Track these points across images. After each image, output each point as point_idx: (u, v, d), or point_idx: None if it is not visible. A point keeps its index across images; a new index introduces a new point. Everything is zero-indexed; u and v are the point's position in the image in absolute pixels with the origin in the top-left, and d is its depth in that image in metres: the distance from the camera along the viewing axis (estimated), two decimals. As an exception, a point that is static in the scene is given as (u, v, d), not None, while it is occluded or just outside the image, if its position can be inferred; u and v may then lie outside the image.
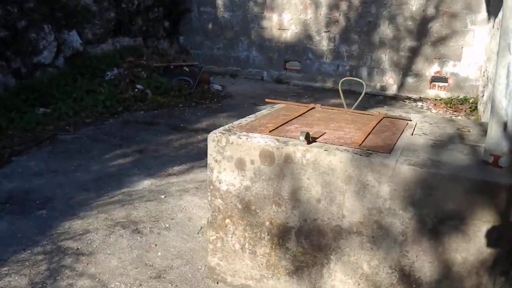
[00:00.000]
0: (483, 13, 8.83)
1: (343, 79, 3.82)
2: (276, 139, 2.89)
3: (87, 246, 3.68)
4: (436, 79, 9.54)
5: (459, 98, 9.20)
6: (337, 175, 2.74)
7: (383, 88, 10.02)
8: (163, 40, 11.25)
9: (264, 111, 3.69)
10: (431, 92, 9.61)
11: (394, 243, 2.76)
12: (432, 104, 9.20)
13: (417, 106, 9.24)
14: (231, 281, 3.25)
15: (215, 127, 6.98)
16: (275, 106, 3.89)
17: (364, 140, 2.91)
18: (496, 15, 7.07)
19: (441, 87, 9.52)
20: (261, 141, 2.87)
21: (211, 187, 3.10)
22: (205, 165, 5.44)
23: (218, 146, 2.98)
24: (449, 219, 2.60)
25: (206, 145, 6.10)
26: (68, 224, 4.02)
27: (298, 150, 2.78)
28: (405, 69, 9.73)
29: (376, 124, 3.31)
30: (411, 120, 3.56)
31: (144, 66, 9.46)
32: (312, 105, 3.81)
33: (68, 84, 8.06)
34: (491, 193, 2.48)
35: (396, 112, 8.61)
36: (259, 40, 10.98)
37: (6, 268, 3.36)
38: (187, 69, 9.80)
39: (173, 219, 4.19)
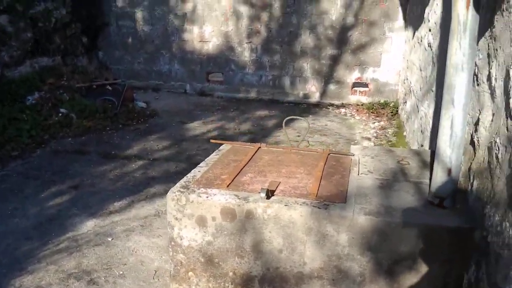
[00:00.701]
0: (400, 21, 9.29)
1: (286, 118, 3.95)
2: (236, 195, 2.98)
3: (43, 307, 3.60)
4: (357, 84, 9.94)
5: (380, 102, 9.64)
6: (298, 227, 2.87)
7: (306, 96, 10.31)
8: (82, 57, 10.95)
9: (213, 155, 3.76)
10: (353, 98, 10.00)
11: (353, 283, 2.94)
12: (354, 110, 9.58)
13: (340, 113, 9.58)
14: (197, 329, 3.32)
15: (147, 152, 7.06)
16: (221, 148, 3.97)
17: (318, 189, 3.06)
18: (415, 27, 7.46)
19: (362, 92, 9.93)
20: (221, 198, 2.95)
21: (172, 243, 3.14)
22: (145, 199, 5.50)
23: (178, 205, 3.03)
24: (403, 260, 2.81)
25: (142, 174, 6.22)
26: (19, 281, 3.89)
27: (259, 206, 2.88)
28: (327, 77, 10.05)
29: (324, 165, 3.47)
30: (353, 155, 3.76)
31: (65, 88, 9.19)
32: (257, 145, 3.92)
33: (-13, 114, 7.72)
34: (439, 235, 2.72)
35: (321, 121, 8.90)
36: (181, 53, 10.96)
37: None
38: (110, 87, 9.61)
39: (125, 264, 4.17)
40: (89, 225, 4.86)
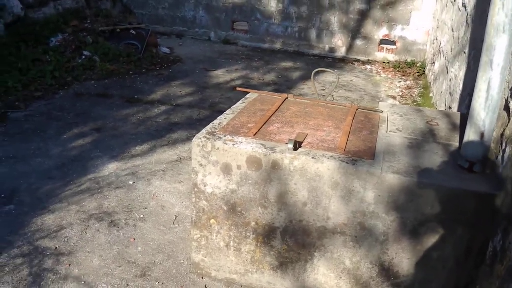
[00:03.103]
0: (432, -21, 9.02)
1: (315, 70, 3.86)
2: (262, 145, 2.94)
3: (65, 245, 3.63)
4: (384, 41, 9.73)
5: (406, 61, 9.45)
6: (324, 181, 2.83)
7: (332, 50, 10.14)
8: (106, 0, 10.83)
9: (239, 103, 3.71)
10: (379, 55, 9.81)
11: (375, 242, 2.92)
12: (381, 67, 9.41)
13: (366, 69, 9.42)
14: (216, 275, 3.35)
15: (170, 97, 7.04)
16: (248, 96, 3.91)
17: (346, 143, 3.00)
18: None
19: (389, 49, 9.74)
20: (247, 147, 2.91)
21: (196, 189, 3.13)
22: (167, 144, 5.51)
23: (203, 151, 3.00)
24: (428, 221, 2.77)
25: (165, 120, 6.21)
26: (40, 220, 3.94)
27: (286, 157, 2.84)
28: (354, 32, 9.85)
29: (352, 120, 3.41)
30: (382, 112, 3.68)
31: (89, 30, 9.13)
32: (285, 96, 3.85)
33: (12, 54, 7.65)
34: (467, 199, 2.66)
35: (346, 76, 8.77)
36: (206, 0, 10.78)
37: (-15, 275, 3.27)
38: (133, 32, 9.52)
39: (146, 208, 4.20)
40: (111, 168, 4.88)
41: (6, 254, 3.49)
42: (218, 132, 3.10)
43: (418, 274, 2.93)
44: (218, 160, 2.99)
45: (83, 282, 3.28)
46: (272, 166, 2.89)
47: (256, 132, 3.10)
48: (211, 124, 3.25)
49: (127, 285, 3.28)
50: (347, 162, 2.79)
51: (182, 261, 3.56)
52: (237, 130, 3.15)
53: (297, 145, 2.89)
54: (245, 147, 2.92)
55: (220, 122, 3.29)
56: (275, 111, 3.52)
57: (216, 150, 2.97)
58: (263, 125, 3.23)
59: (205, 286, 3.31)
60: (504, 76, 2.65)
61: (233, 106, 3.65)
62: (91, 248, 3.63)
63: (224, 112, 3.50)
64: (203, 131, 3.13)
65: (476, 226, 2.70)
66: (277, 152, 2.86)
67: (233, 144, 2.95)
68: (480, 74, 2.67)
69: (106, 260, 3.51)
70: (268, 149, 2.89)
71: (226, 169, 2.99)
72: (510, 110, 2.76)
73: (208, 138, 3.01)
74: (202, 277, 3.37)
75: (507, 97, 2.84)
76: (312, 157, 2.82)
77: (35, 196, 4.29)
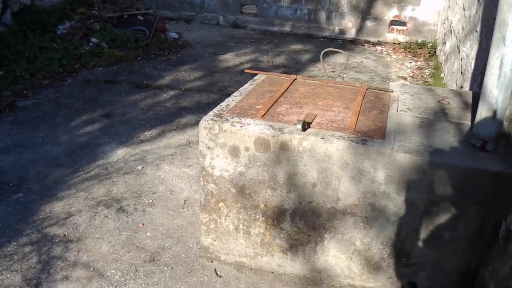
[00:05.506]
0: (442, -43, 8.85)
1: (324, 50, 3.79)
2: (271, 126, 2.89)
3: (73, 232, 3.62)
4: (395, 22, 9.60)
5: (417, 42, 9.33)
6: (333, 161, 2.78)
7: (342, 32, 10.02)
8: (113, -14, 10.76)
9: (247, 85, 3.65)
10: (390, 36, 9.68)
11: (386, 222, 2.88)
12: (391, 49, 9.29)
13: (376, 50, 9.30)
14: (225, 259, 3.33)
15: (179, 82, 7.00)
16: (256, 78, 3.85)
17: (356, 123, 2.95)
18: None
19: (399, 31, 9.60)
20: (255, 128, 2.87)
21: (203, 172, 3.09)
22: (176, 129, 5.47)
23: (210, 134, 2.95)
24: (440, 201, 2.72)
25: (173, 104, 6.18)
26: (49, 207, 3.92)
27: (295, 138, 2.79)
28: (364, 13, 9.71)
29: (362, 100, 3.35)
30: (392, 91, 3.62)
31: (96, 17, 9.08)
32: (293, 77, 3.79)
33: (19, 43, 7.61)
34: (480, 178, 2.60)
35: (357, 58, 8.67)
36: (214, -16, 10.70)
37: (-6, 264, 3.26)
38: (141, 18, 9.45)
39: (155, 193, 4.17)
40: (120, 154, 4.86)
41: (15, 243, 3.48)
42: (225, 114, 3.05)
43: (430, 254, 2.90)
44: (226, 143, 2.95)
45: (92, 268, 3.26)
46: (281, 148, 2.84)
47: (264, 114, 3.05)
48: (218, 106, 3.21)
49: (136, 270, 3.26)
50: (356, 142, 2.73)
51: (191, 245, 3.53)
52: (245, 112, 3.10)
53: (306, 125, 2.84)
54: (253, 129, 2.87)
55: (227, 104, 3.24)
56: (284, 92, 3.47)
57: (224, 133, 2.92)
58: (271, 106, 3.18)
59: (215, 270, 3.29)
60: (518, 52, 2.57)
61: (241, 88, 3.60)
62: (100, 235, 3.61)
63: (232, 95, 3.45)
64: (210, 113, 3.08)
65: (489, 206, 2.65)
66: (285, 133, 2.82)
67: (241, 126, 2.90)
68: (492, 51, 2.59)
69: (115, 246, 3.49)
70: (277, 130, 2.84)
71: (234, 152, 2.95)
72: (524, 87, 2.69)
73: (215, 121, 2.96)
74: (211, 261, 3.35)
75: (521, 73, 2.76)
76: (322, 138, 2.77)
77: (43, 183, 4.28)
